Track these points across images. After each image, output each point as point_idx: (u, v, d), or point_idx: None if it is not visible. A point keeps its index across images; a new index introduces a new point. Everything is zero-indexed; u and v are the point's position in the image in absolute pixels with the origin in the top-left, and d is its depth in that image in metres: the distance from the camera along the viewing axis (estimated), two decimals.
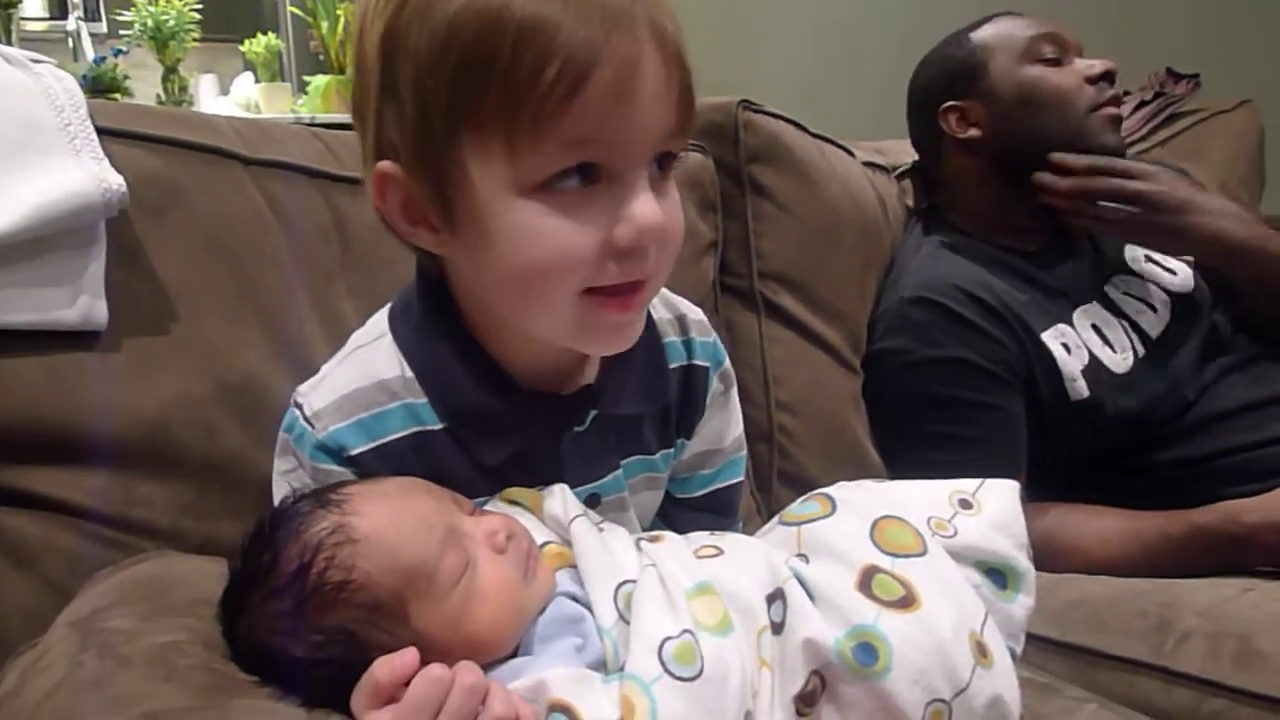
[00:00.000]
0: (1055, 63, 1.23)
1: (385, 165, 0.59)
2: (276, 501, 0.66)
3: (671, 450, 0.76)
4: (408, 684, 0.52)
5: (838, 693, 0.59)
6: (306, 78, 3.13)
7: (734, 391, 0.80)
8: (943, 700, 0.58)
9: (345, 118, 2.13)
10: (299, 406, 0.66)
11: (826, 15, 2.61)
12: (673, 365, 0.74)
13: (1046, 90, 1.22)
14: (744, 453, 0.82)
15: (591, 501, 0.72)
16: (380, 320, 0.70)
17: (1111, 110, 1.23)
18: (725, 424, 0.79)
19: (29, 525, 0.72)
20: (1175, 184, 1.19)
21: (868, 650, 0.58)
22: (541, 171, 0.55)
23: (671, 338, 0.75)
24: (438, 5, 0.53)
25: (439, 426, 0.66)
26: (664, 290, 0.74)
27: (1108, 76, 1.23)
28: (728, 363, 0.79)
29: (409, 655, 0.53)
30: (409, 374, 0.66)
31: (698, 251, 1.18)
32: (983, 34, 1.27)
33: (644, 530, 0.78)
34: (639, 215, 0.56)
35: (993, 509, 0.69)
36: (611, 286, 0.58)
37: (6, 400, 0.71)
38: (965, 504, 0.70)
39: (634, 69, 0.54)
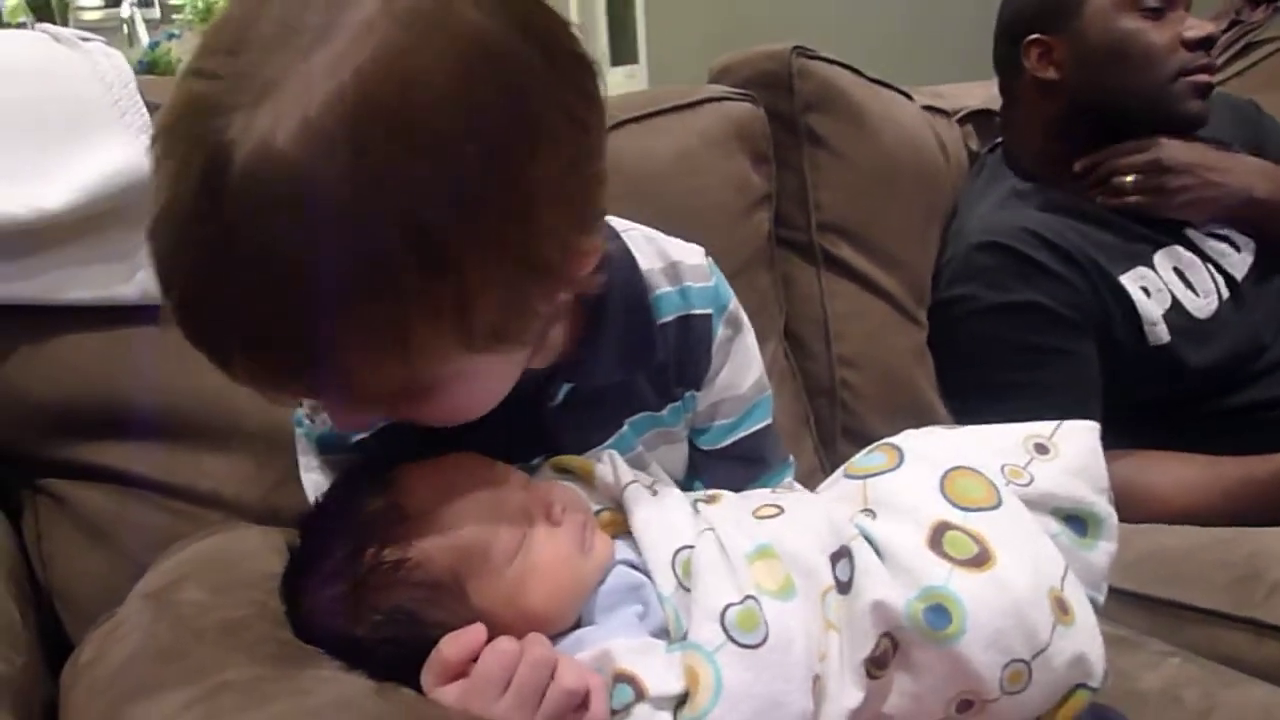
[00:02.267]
0: (1156, 14, 1.16)
1: None
2: (309, 493, 0.67)
3: (679, 403, 0.73)
4: (476, 659, 0.52)
5: (909, 656, 0.57)
6: None
7: (745, 335, 0.75)
8: (1022, 661, 0.56)
9: None
10: (299, 403, 0.66)
11: None
12: (667, 318, 0.70)
13: (1137, 46, 1.16)
14: (767, 394, 0.77)
15: None
16: None
17: (1201, 78, 1.18)
18: (739, 370, 0.74)
19: (101, 498, 0.74)
20: (1186, 147, 1.17)
21: (939, 613, 0.55)
22: None
23: (665, 289, 0.70)
24: None
25: None
26: (656, 235, 0.72)
27: (1207, 43, 1.17)
28: (733, 305, 0.74)
29: (476, 631, 0.53)
30: None
31: (751, 205, 1.15)
32: None
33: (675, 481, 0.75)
34: None
35: (1070, 452, 0.66)
36: None
37: (74, 377, 0.72)
38: (1041, 449, 0.66)
39: None
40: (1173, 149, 1.17)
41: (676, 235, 0.76)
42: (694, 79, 1.25)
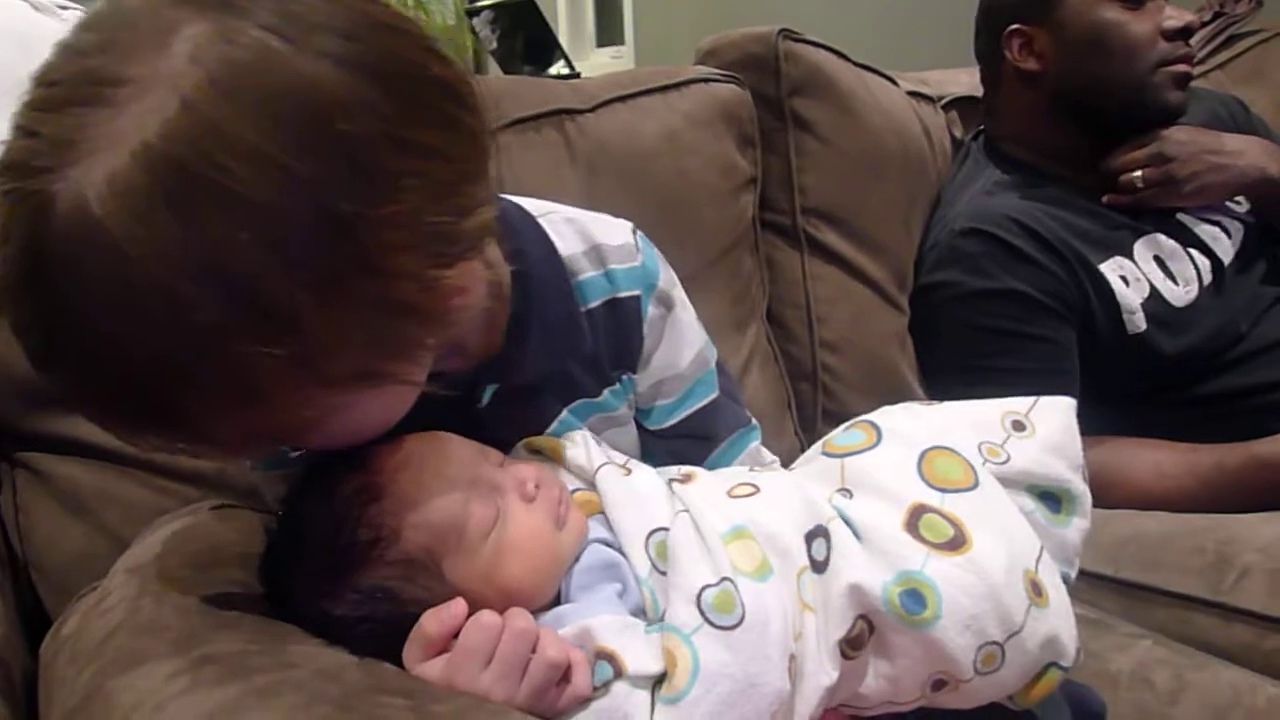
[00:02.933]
0: (1136, 4, 1.17)
1: None
2: (267, 499, 0.67)
3: (617, 386, 0.71)
4: (457, 635, 0.52)
5: (885, 638, 0.58)
6: None
7: (680, 311, 0.73)
8: (996, 643, 0.57)
9: None
10: None
11: None
12: (593, 303, 0.68)
13: (1117, 38, 1.17)
14: (710, 369, 0.75)
15: None
16: None
17: (1180, 68, 1.18)
18: (675, 348, 0.72)
19: (81, 473, 0.73)
20: (1190, 133, 1.18)
21: (915, 598, 0.56)
22: None
23: (589, 273, 0.68)
24: None
25: None
26: (578, 216, 0.70)
27: (1186, 32, 1.18)
28: (663, 283, 0.71)
29: (457, 606, 0.53)
30: None
31: (736, 188, 1.15)
32: None
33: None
34: None
35: (1046, 430, 0.66)
36: None
37: None
38: (1018, 425, 0.67)
39: None
40: (1174, 138, 1.18)
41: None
42: (680, 61, 1.25)
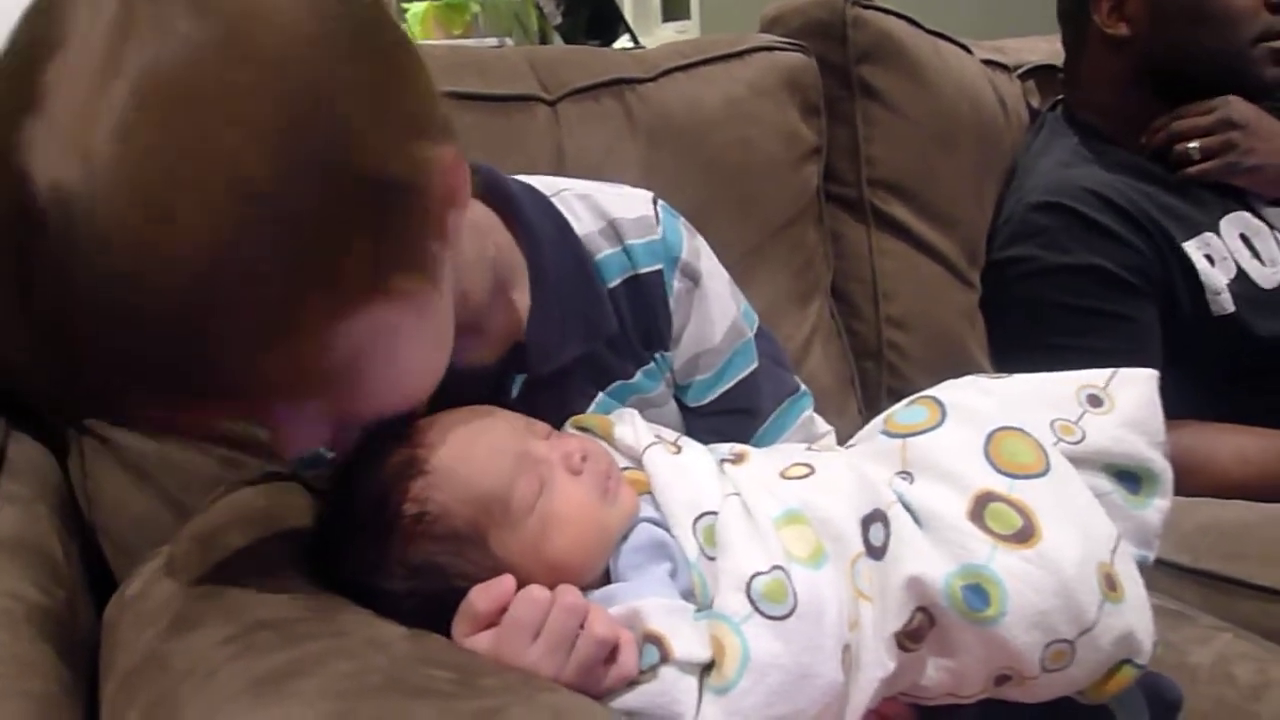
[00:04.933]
0: None
1: None
2: None
3: (651, 366, 0.69)
4: (505, 610, 0.52)
5: (946, 632, 0.55)
6: (405, 5, 3.12)
7: (708, 282, 0.70)
8: (1065, 640, 0.54)
9: (444, 43, 2.12)
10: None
11: None
12: (614, 282, 0.67)
13: (1218, 6, 1.11)
14: (747, 339, 0.73)
15: None
16: None
17: None
18: (706, 322, 0.70)
19: (145, 441, 0.75)
20: (1256, 110, 1.13)
21: (978, 593, 0.53)
22: None
23: (606, 251, 0.67)
24: None
25: None
26: (592, 191, 0.68)
27: None
28: (686, 254, 0.69)
29: (506, 581, 0.53)
30: None
31: (800, 158, 1.12)
32: None
33: None
34: None
35: (1126, 404, 0.62)
36: None
37: None
38: (1095, 400, 0.63)
39: None
40: (1243, 108, 1.13)
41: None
42: (745, 29, 1.22)
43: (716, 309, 0.71)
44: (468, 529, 0.55)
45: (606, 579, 0.58)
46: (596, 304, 0.66)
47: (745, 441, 0.71)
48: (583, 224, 0.67)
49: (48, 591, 0.60)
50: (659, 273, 0.68)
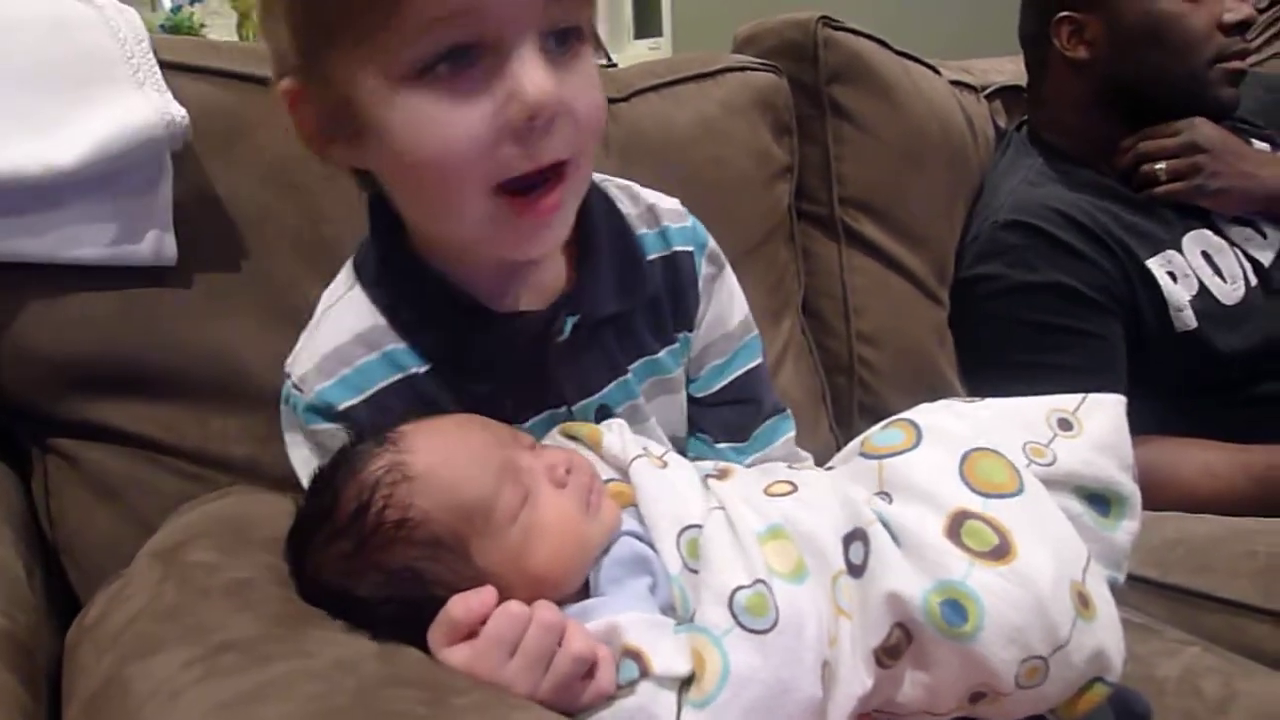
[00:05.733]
0: None
1: (287, 83, 0.57)
2: (298, 472, 0.66)
3: (676, 345, 0.73)
4: (484, 622, 0.52)
5: (923, 648, 0.55)
6: None
7: (728, 272, 0.77)
8: (1040, 657, 0.54)
9: None
10: (288, 376, 0.65)
11: None
12: (651, 257, 0.71)
13: (1175, 30, 1.13)
14: (755, 334, 0.78)
15: (602, 414, 0.70)
16: (347, 274, 0.68)
17: (1236, 64, 1.15)
18: (726, 306, 0.76)
19: (110, 459, 0.73)
20: (1222, 132, 1.15)
21: (956, 609, 0.54)
22: (413, 57, 0.52)
23: (643, 230, 0.72)
24: None
25: (424, 368, 0.65)
26: (629, 184, 0.73)
27: (1244, 26, 1.14)
28: (713, 243, 0.75)
29: (486, 593, 0.52)
30: (382, 321, 0.65)
31: (771, 176, 1.13)
32: None
33: (672, 438, 0.75)
34: (526, 85, 0.52)
35: (1095, 428, 0.64)
36: (525, 179, 0.55)
37: (84, 335, 0.72)
38: (1065, 424, 0.64)
39: None
40: (1208, 131, 1.15)
41: (695, 205, 0.76)
42: (719, 49, 1.23)
43: (735, 297, 0.77)
44: (449, 537, 0.54)
45: (586, 591, 0.58)
46: (636, 268, 0.70)
47: (747, 435, 0.76)
48: (624, 205, 0.72)
49: (9, 615, 0.58)
50: (690, 254, 0.73)
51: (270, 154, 0.80)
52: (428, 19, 0.51)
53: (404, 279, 0.65)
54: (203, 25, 2.98)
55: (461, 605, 0.52)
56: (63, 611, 0.67)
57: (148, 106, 0.70)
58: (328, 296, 0.69)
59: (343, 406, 0.63)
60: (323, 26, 0.53)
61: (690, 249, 0.73)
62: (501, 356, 0.65)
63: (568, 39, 0.55)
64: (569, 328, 0.66)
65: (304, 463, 0.66)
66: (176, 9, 2.97)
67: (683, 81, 1.08)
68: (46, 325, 0.71)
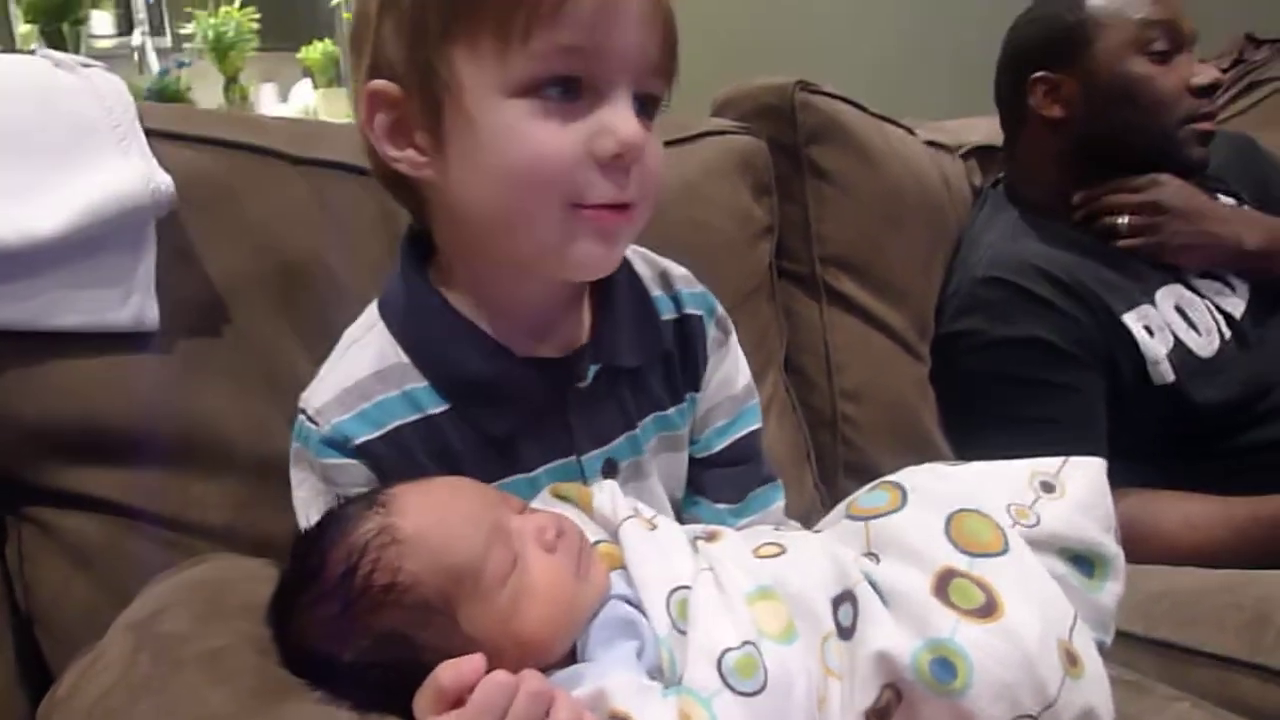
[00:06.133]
0: (1164, 58, 1.16)
1: (379, 83, 0.61)
2: (299, 513, 0.66)
3: (685, 404, 0.76)
4: (471, 690, 0.51)
5: (914, 707, 0.55)
6: None
7: (734, 338, 0.80)
8: (1030, 715, 0.54)
9: None
10: (303, 411, 0.67)
11: (876, 3, 2.55)
12: (664, 317, 0.75)
13: (1146, 91, 1.16)
14: (757, 400, 0.82)
15: (609, 468, 0.71)
16: (371, 312, 0.70)
17: (1204, 125, 1.18)
18: (732, 370, 0.79)
19: (87, 526, 0.72)
20: (1185, 190, 1.18)
21: (945, 666, 0.54)
22: (529, 74, 0.57)
23: (658, 292, 0.75)
24: None
25: (443, 409, 0.66)
26: (645, 251, 0.77)
27: (1212, 89, 1.17)
28: (721, 310, 0.79)
29: (475, 660, 0.52)
30: (405, 359, 0.67)
31: (753, 236, 1.15)
32: (1098, 1, 1.19)
33: (672, 498, 0.77)
34: (620, 127, 0.58)
35: (1077, 490, 0.65)
36: (597, 205, 0.60)
37: (64, 402, 0.71)
38: (1047, 486, 0.65)
39: None
40: (1171, 190, 1.17)
41: (682, 265, 0.78)
42: (697, 113, 1.26)
43: (740, 362, 0.81)
44: (438, 600, 0.54)
45: (573, 655, 0.57)
46: (652, 326, 0.73)
47: (743, 497, 0.79)
48: (640, 267, 0.75)
49: None
50: (700, 319, 0.77)
51: (253, 220, 0.81)
52: (559, 46, 0.57)
53: (429, 318, 0.67)
54: (189, 88, 3.01)
55: (451, 672, 0.51)
56: (35, 684, 0.65)
57: (133, 174, 0.71)
58: (351, 333, 0.71)
59: (360, 441, 0.64)
60: (449, 21, 0.58)
61: (700, 313, 0.77)
62: (521, 400, 0.67)
63: (648, 107, 0.62)
64: (591, 374, 0.69)
65: (306, 504, 0.67)
66: (164, 73, 3.00)
67: (665, 146, 1.10)
68: (25, 392, 0.71)
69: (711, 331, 0.77)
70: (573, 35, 0.56)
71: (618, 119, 0.58)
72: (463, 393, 0.66)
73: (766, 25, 2.53)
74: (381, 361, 0.66)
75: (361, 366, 0.66)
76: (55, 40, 2.77)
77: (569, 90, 0.58)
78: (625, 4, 0.58)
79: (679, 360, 0.75)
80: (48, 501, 0.73)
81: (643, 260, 0.76)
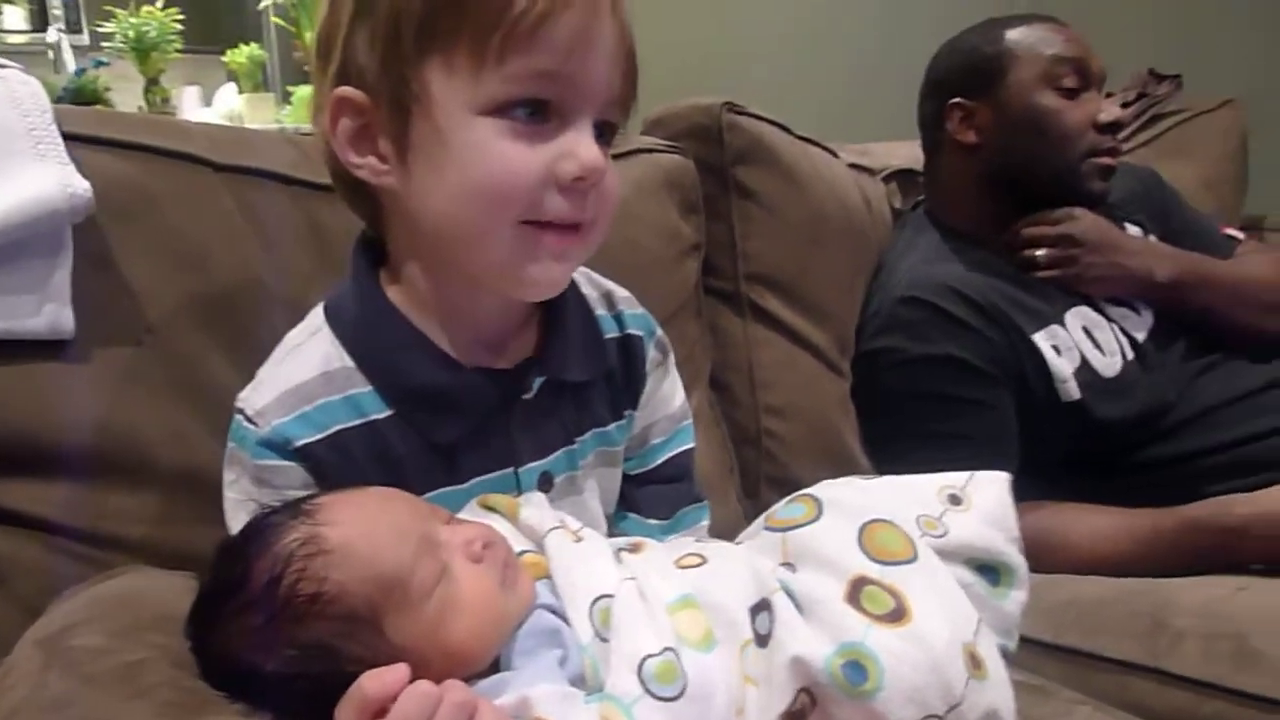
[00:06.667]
0: (1072, 94, 1.21)
1: (346, 90, 0.62)
2: (228, 517, 0.66)
3: (624, 421, 0.78)
4: (395, 699, 0.51)
5: (827, 710, 0.57)
6: (290, 88, 3.11)
7: (671, 359, 0.82)
8: (937, 716, 0.56)
9: None
10: (240, 412, 0.66)
11: (804, 22, 2.61)
12: (608, 336, 0.77)
13: (1052, 123, 1.21)
14: (690, 420, 0.84)
15: (544, 482, 0.72)
16: (315, 317, 0.70)
17: (1106, 160, 1.23)
18: (670, 390, 0.82)
19: None
20: (1098, 225, 1.23)
21: (857, 669, 0.56)
22: (502, 94, 0.59)
23: (601, 311, 0.77)
24: None
25: (386, 414, 0.67)
26: (589, 271, 0.79)
27: (1116, 127, 1.23)
28: (660, 331, 0.81)
29: (399, 670, 0.52)
30: (349, 364, 0.67)
31: (680, 254, 1.17)
32: (1015, 35, 1.24)
33: (605, 513, 0.78)
34: (583, 153, 0.60)
35: (983, 503, 0.68)
36: (550, 223, 0.61)
37: None
38: (954, 499, 0.68)
39: (595, 20, 0.60)
40: (1085, 225, 1.22)
41: (611, 280, 0.79)
42: (630, 131, 1.27)
43: (677, 383, 0.83)
44: (365, 610, 0.54)
45: (496, 664, 0.58)
46: (597, 342, 0.76)
47: (672, 514, 0.81)
48: (585, 288, 0.77)
49: None
50: (641, 339, 0.79)
51: (175, 228, 0.79)
52: (533, 70, 0.59)
53: (379, 324, 0.67)
54: (108, 89, 2.92)
55: (375, 681, 0.51)
56: None
57: (49, 179, 0.69)
58: (294, 336, 0.70)
59: (300, 443, 0.64)
60: (426, 36, 0.59)
61: (641, 334, 0.79)
62: (468, 409, 0.68)
63: (605, 134, 0.64)
64: (537, 387, 0.70)
65: (236, 506, 0.66)
66: (80, 72, 2.91)
67: None
68: None
69: (651, 352, 0.79)
70: (547, 61, 0.58)
71: (581, 145, 0.60)
72: (409, 400, 0.67)
73: (715, 48, 2.58)
74: (326, 365, 0.67)
75: (305, 370, 0.66)
76: None
77: (536, 112, 0.60)
78: (599, 35, 0.60)
79: (620, 378, 0.77)
80: None
81: (588, 281, 0.78)
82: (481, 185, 0.60)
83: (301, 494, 0.63)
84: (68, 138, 0.74)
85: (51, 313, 0.71)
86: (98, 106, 2.81)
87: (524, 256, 0.62)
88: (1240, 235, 1.42)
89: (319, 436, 0.65)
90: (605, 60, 0.61)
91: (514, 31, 0.57)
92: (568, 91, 0.60)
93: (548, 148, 0.60)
